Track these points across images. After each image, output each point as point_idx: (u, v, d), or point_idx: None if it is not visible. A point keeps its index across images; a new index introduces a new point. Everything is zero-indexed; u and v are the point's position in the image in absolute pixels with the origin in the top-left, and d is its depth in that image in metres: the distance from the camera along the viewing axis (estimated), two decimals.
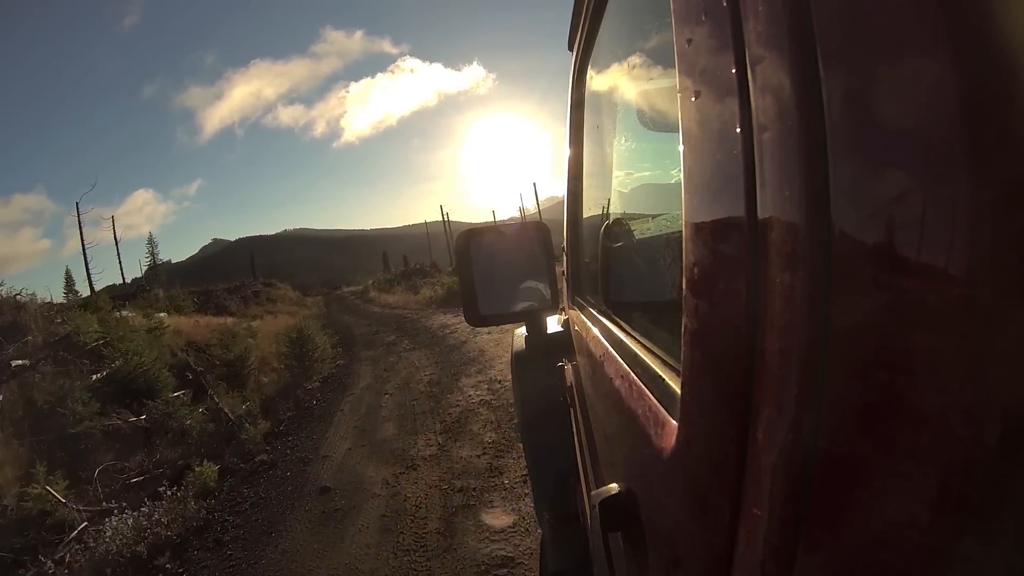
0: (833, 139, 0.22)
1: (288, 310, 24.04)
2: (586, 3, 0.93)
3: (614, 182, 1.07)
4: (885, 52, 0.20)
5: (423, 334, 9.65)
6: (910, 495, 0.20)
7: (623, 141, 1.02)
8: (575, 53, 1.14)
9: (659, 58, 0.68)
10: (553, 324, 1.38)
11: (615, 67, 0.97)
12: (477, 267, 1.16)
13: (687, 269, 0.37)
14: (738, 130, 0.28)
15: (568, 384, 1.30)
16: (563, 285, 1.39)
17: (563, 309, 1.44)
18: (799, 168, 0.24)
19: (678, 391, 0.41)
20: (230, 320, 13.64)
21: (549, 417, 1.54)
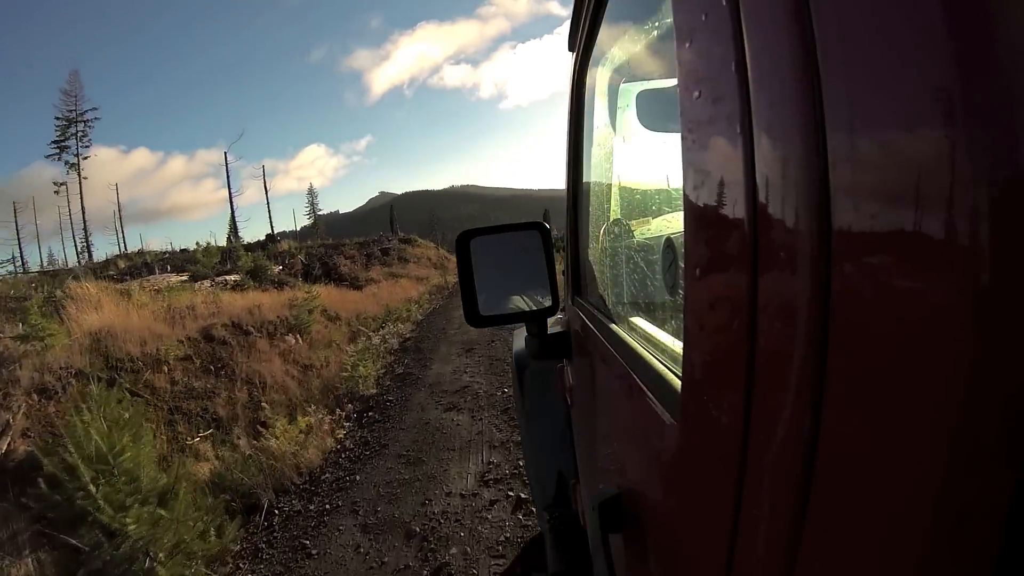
0: (833, 138, 0.22)
1: (418, 274, 20.40)
2: (586, 3, 0.93)
3: (614, 182, 1.07)
4: (885, 51, 0.20)
5: None
6: (911, 494, 0.20)
7: (623, 141, 1.02)
8: (575, 53, 1.14)
9: (659, 58, 0.68)
10: (553, 324, 1.38)
11: (615, 67, 0.97)
12: (477, 267, 1.16)
13: (687, 269, 0.37)
14: (738, 130, 0.28)
15: (568, 384, 1.30)
16: (563, 285, 1.39)
17: (563, 309, 1.44)
18: (799, 167, 0.24)
19: (678, 391, 0.41)
20: (284, 296, 8.90)
21: (549, 417, 1.54)
